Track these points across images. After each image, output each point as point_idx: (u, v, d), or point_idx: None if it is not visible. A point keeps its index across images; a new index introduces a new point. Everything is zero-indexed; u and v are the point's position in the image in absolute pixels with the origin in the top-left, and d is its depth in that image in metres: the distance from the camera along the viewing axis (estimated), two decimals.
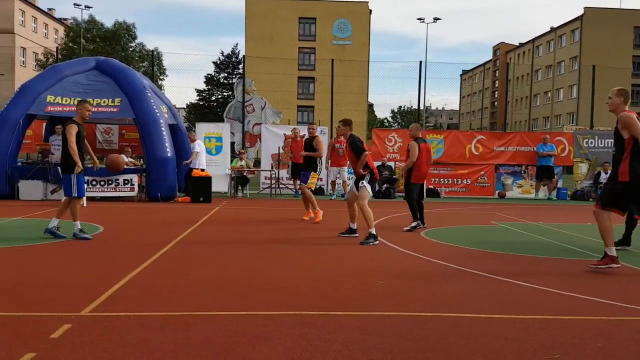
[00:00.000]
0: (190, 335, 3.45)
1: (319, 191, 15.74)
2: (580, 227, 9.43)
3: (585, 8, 55.82)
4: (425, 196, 15.45)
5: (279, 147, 15.21)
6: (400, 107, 73.55)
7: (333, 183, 14.49)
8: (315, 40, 51.37)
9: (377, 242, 7.17)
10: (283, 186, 15.41)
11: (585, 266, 5.81)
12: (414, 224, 8.55)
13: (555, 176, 16.15)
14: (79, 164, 6.97)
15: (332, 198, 14.16)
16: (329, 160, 14.44)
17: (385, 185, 15.28)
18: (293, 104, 46.01)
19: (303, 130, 15.67)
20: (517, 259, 6.48)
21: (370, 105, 63.46)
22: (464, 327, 3.74)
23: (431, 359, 3.12)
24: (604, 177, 15.51)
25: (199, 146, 13.13)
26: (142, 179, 12.93)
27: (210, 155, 15.23)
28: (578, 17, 56.84)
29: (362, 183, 7.41)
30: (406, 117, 69.87)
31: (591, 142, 16.26)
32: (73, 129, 6.99)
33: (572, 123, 52.33)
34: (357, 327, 3.67)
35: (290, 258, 6.22)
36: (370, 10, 52.33)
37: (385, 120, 75.67)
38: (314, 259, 6.19)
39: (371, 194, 7.49)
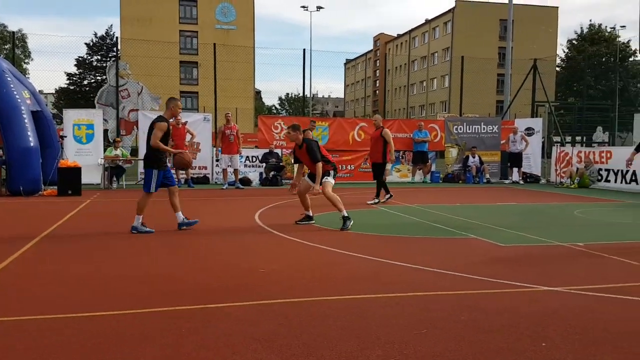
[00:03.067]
0: (53, 340, 3.14)
1: (203, 180, 15.32)
2: (450, 208, 10.13)
3: (456, 1, 59.78)
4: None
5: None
6: (288, 94, 74.00)
7: (225, 171, 14.09)
8: (197, 24, 49.78)
9: (352, 221, 7.33)
10: None
11: (452, 243, 6.21)
12: (387, 196, 10.56)
13: (429, 161, 17.18)
14: (171, 150, 7.30)
15: (224, 188, 13.81)
16: (220, 148, 14.10)
17: (272, 173, 15.24)
18: (175, 89, 44.29)
19: (185, 117, 15.12)
20: (395, 240, 6.78)
21: (258, 92, 63.03)
22: (343, 309, 3.81)
23: (308, 344, 3.13)
24: (471, 161, 16.81)
25: None
26: (2, 171, 11.71)
27: (81, 144, 14.19)
28: (450, 9, 60.72)
29: (326, 178, 7.56)
30: (294, 104, 70.42)
31: (460, 129, 17.48)
32: (162, 128, 6.89)
33: (445, 111, 56.09)
34: (236, 318, 3.59)
35: (171, 251, 5.95)
36: None
37: (274, 107, 75.69)
38: (195, 251, 5.99)
39: (333, 182, 7.65)
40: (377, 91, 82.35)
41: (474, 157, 16.82)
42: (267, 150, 15.76)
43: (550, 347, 3.11)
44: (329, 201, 7.55)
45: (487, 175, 16.93)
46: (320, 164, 7.45)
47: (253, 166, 15.86)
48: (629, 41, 42.65)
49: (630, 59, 41.52)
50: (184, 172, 14.32)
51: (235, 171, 14.07)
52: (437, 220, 8.27)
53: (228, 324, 3.47)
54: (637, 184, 13.73)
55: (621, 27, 53.27)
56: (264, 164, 15.54)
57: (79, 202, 10.36)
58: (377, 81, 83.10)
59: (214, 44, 17.90)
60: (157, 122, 6.99)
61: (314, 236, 6.81)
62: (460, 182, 16.85)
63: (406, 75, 70.04)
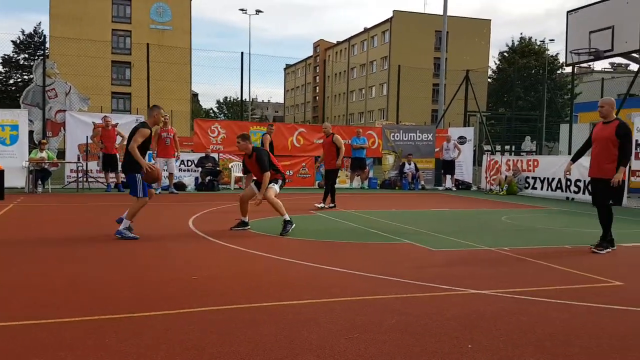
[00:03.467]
0: None
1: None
2: (386, 213, 10.31)
3: (394, 11, 61.27)
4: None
5: (87, 137, 13.92)
6: (226, 97, 73.00)
7: None
8: (131, 23, 48.29)
9: (294, 225, 7.36)
10: (92, 180, 14.14)
11: (386, 248, 6.29)
12: (331, 204, 10.78)
13: (367, 167, 17.43)
14: (144, 164, 6.74)
15: (157, 192, 13.35)
16: (156, 151, 13.64)
17: (208, 178, 14.95)
18: (107, 90, 42.78)
19: (116, 119, 14.58)
20: (331, 245, 6.81)
21: (195, 95, 61.88)
22: (276, 315, 3.76)
23: (238, 351, 3.06)
24: (407, 168, 17.20)
25: None
26: None
27: (4, 146, 13.42)
28: (388, 19, 62.10)
29: (273, 184, 7.54)
30: (232, 108, 69.60)
31: (397, 136, 17.87)
32: (144, 135, 6.71)
33: (383, 118, 57.20)
34: (163, 327, 3.46)
35: (98, 258, 5.68)
36: None
37: (211, 111, 74.44)
38: (126, 258, 5.75)
39: (278, 190, 7.62)
40: (317, 97, 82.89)
41: (409, 164, 17.23)
42: (203, 155, 15.47)
43: (476, 349, 3.20)
44: (270, 205, 7.48)
45: (422, 182, 17.38)
46: (268, 174, 7.43)
47: (188, 170, 15.50)
48: (557, 54, 45.04)
49: (558, 72, 43.80)
50: (114, 175, 13.83)
51: (170, 175, 13.70)
52: (373, 226, 8.38)
53: (157, 333, 3.34)
54: (562, 191, 14.51)
55: (550, 40, 56.47)
56: (199, 169, 15.24)
57: (1, 207, 9.74)
58: (317, 87, 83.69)
59: (147, 44, 17.38)
60: (139, 128, 6.79)
61: (249, 242, 6.71)
62: (396, 188, 17.20)
63: (346, 82, 70.99)
